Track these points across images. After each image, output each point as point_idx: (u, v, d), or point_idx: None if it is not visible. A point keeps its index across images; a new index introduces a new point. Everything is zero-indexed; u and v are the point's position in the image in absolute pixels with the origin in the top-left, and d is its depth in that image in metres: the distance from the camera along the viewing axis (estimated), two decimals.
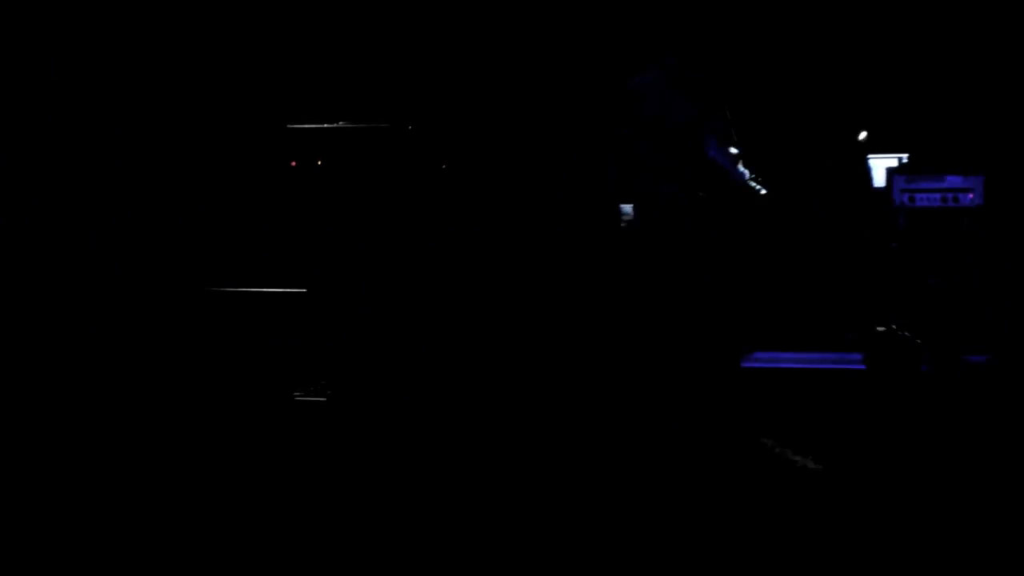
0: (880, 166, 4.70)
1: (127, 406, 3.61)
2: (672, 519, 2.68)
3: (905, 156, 4.69)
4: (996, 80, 4.97)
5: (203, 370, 3.81)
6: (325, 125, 4.52)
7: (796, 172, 5.24)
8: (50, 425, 3.44)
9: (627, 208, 4.93)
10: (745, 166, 4.55)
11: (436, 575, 2.30)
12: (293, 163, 4.51)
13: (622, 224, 4.93)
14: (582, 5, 4.81)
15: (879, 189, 4.71)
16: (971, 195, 4.49)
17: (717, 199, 4.43)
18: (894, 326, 4.33)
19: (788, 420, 3.93)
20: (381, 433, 3.74)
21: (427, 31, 4.65)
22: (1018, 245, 4.51)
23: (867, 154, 4.79)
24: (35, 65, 4.01)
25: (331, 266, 4.39)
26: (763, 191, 4.62)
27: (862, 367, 4.51)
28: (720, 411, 3.97)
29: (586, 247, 4.53)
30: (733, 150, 4.50)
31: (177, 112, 4.15)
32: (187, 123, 4.15)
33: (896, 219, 4.52)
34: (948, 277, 4.43)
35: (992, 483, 2.98)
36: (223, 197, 4.05)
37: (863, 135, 4.87)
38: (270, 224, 4.12)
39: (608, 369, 4.33)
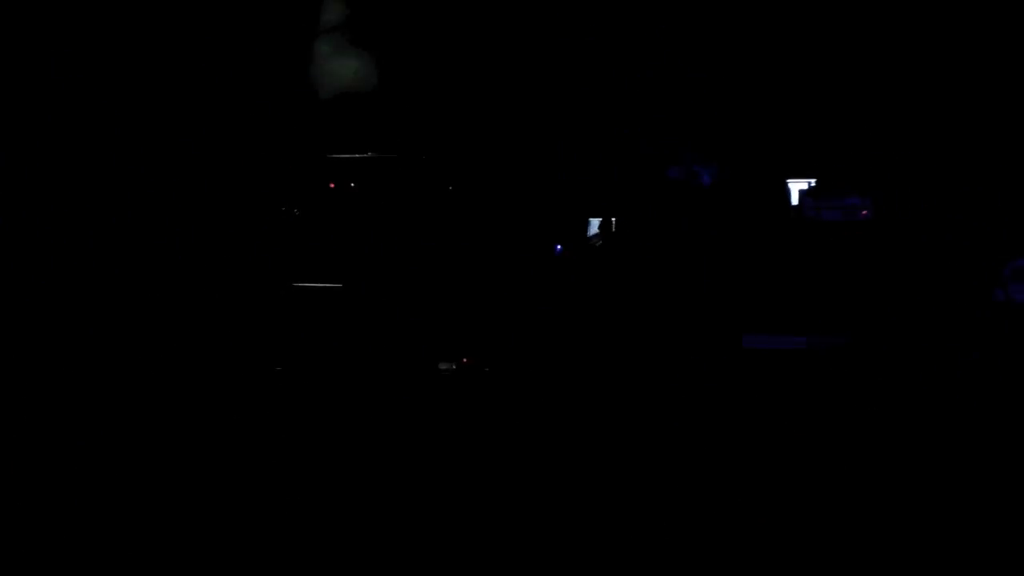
0: (795, 188, 5.98)
1: (241, 373, 4.68)
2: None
3: (814, 180, 5.97)
4: (887, 122, 6.22)
5: (285, 346, 4.94)
6: (357, 155, 5.67)
7: (733, 193, 6.46)
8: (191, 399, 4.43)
9: (594, 223, 6.09)
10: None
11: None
12: (331, 184, 5.66)
13: (590, 238, 6.10)
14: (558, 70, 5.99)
15: (795, 206, 5.98)
16: (864, 211, 5.76)
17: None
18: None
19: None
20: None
21: (437, 86, 5.82)
22: (899, 251, 5.78)
23: (787, 178, 6.05)
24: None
25: (361, 267, 5.51)
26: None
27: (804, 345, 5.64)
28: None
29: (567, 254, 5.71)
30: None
31: (264, 153, 5.30)
32: (267, 160, 5.29)
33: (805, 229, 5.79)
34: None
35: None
36: (290, 213, 5.19)
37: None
38: (317, 234, 5.27)
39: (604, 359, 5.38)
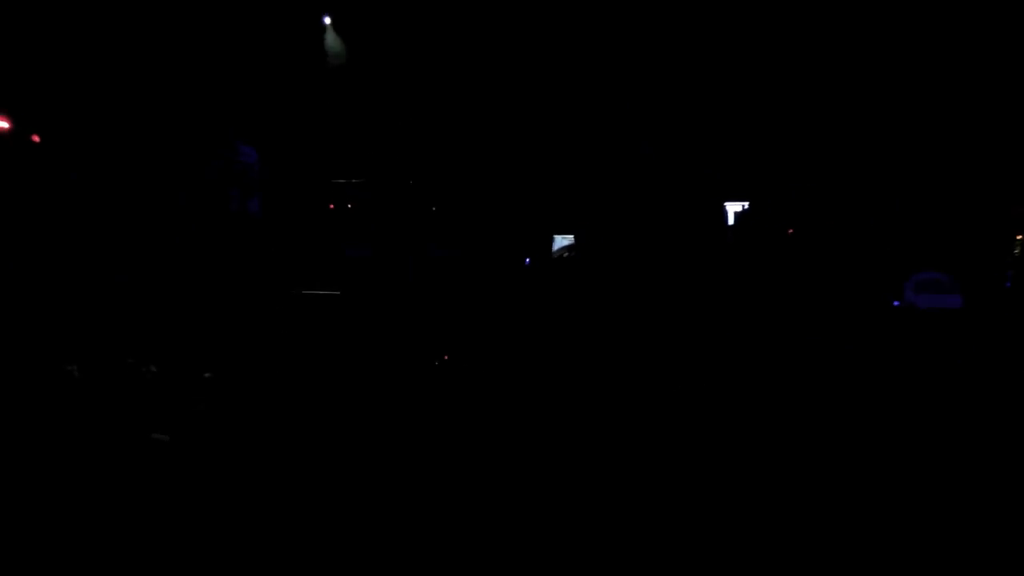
0: (731, 209, 7.00)
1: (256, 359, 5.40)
2: None
3: (747, 203, 6.98)
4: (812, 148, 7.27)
5: (293, 343, 5.73)
6: (354, 180, 6.57)
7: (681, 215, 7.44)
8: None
9: (561, 240, 6.99)
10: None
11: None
12: (331, 206, 6.54)
13: (558, 252, 6.99)
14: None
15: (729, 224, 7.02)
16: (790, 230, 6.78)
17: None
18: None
19: None
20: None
21: (422, 126, 6.75)
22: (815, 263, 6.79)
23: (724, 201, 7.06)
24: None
25: (356, 275, 6.36)
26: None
27: None
28: None
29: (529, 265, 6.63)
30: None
31: (286, 181, 6.15)
32: (285, 186, 6.15)
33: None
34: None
35: None
36: (296, 230, 6.05)
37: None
38: (320, 247, 6.14)
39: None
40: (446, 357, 6.43)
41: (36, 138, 5.62)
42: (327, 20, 6.73)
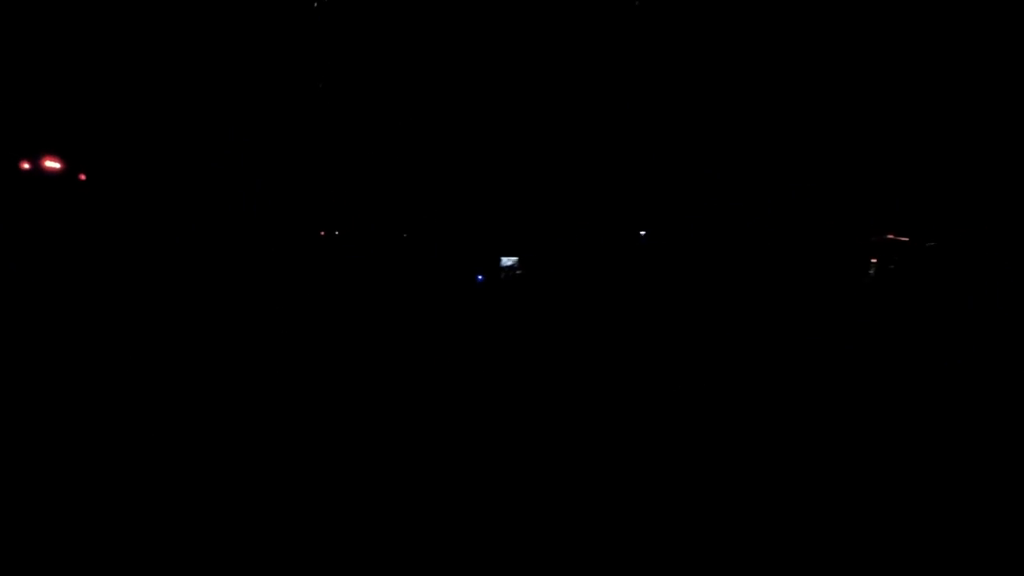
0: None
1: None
2: None
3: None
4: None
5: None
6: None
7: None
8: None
9: (507, 260, 8.41)
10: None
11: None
12: (322, 232, 7.87)
13: (505, 271, 8.40)
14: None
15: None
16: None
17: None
18: None
19: None
20: None
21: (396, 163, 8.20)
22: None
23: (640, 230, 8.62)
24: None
25: (345, 295, 7.64)
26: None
27: None
28: None
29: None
30: None
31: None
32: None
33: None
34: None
35: None
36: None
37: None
38: (307, 280, 7.49)
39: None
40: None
41: (83, 176, 6.89)
42: None
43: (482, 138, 8.33)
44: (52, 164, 6.67)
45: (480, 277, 8.04)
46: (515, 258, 8.17)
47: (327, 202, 7.53)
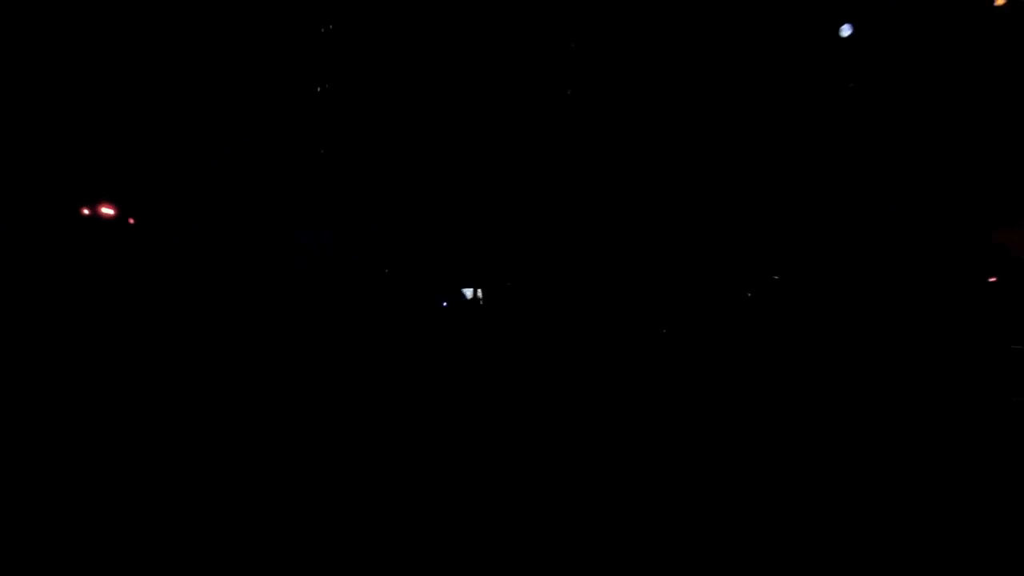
0: None
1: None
2: None
3: None
4: None
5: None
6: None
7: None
8: None
9: (467, 291, 9.06)
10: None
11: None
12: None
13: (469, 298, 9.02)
14: None
15: None
16: None
17: None
18: None
19: None
20: None
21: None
22: None
23: None
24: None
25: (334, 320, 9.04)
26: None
27: None
28: None
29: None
30: None
31: None
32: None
33: None
34: None
35: None
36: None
37: None
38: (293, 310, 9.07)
39: None
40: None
41: (132, 220, 9.54)
42: None
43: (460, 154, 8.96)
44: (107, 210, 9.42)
45: (444, 303, 8.57)
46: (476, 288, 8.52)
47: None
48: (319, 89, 9.15)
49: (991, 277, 9.49)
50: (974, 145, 10.24)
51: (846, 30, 10.03)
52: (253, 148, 9.06)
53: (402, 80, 8.93)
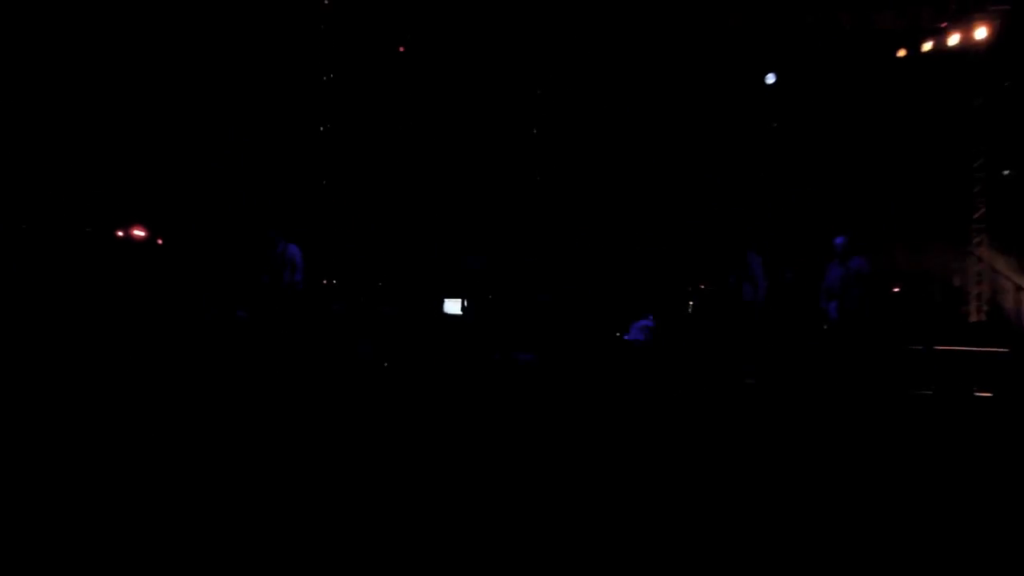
0: None
1: None
2: None
3: None
4: None
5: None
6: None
7: None
8: None
9: (454, 306, 10.70)
10: None
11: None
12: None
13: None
14: None
15: None
16: None
17: None
18: None
19: None
20: None
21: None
22: None
23: None
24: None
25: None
26: None
27: None
28: None
29: None
30: None
31: None
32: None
33: None
34: None
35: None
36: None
37: None
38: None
39: None
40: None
41: (160, 241, 11.01)
42: None
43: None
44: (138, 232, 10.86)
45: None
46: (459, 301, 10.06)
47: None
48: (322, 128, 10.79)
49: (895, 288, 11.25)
50: (880, 172, 12.05)
51: (770, 78, 11.78)
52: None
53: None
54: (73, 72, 9.83)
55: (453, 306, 10.66)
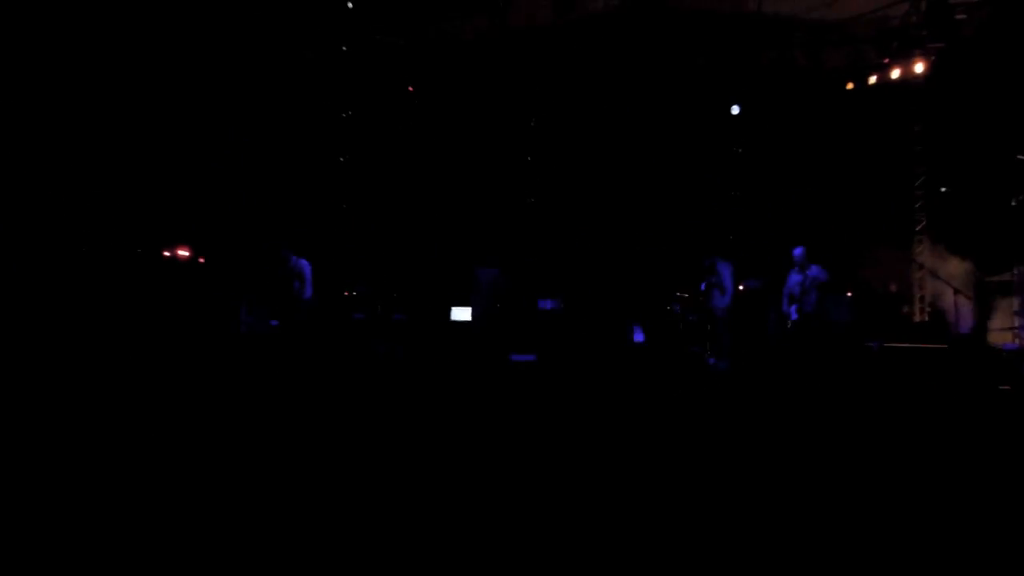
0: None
1: None
2: None
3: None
4: None
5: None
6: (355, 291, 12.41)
7: None
8: None
9: (461, 313, 12.01)
10: None
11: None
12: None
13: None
14: None
15: None
16: None
17: None
18: None
19: None
20: None
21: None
22: None
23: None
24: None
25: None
26: None
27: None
28: None
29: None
30: None
31: None
32: None
33: None
34: None
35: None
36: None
37: None
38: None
39: None
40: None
41: (202, 260, 12.30)
42: None
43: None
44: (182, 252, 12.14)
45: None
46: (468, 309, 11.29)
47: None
48: (341, 159, 12.19)
49: (847, 292, 12.67)
50: (833, 190, 13.57)
51: (735, 109, 13.36)
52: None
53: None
54: (134, 112, 11.12)
55: (461, 313, 11.86)
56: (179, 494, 3.40)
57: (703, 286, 11.05)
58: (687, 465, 4.30)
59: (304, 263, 10.66)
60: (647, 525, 3.04)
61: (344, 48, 11.48)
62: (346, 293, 12.19)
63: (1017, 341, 11.40)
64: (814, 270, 10.74)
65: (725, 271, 10.97)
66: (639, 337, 10.79)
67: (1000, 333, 11.87)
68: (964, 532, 3.18)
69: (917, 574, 2.69)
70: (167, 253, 11.67)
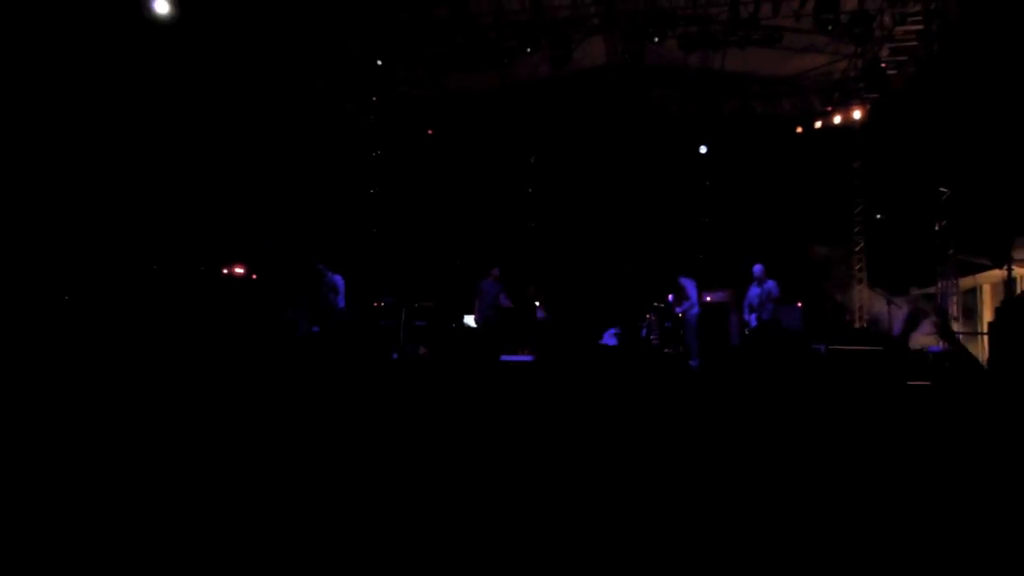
0: None
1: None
2: None
3: None
4: None
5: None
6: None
7: None
8: None
9: (469, 319, 14.27)
10: None
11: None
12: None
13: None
14: None
15: None
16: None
17: None
18: None
19: None
20: None
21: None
22: None
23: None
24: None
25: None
26: None
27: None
28: None
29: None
30: None
31: None
32: None
33: None
34: None
35: None
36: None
37: None
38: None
39: None
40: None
41: (255, 276, 14.30)
42: None
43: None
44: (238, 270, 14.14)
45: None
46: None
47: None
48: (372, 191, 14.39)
49: (798, 303, 14.78)
50: (786, 217, 15.83)
51: (703, 149, 15.81)
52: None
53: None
54: (207, 146, 13.19)
55: (472, 320, 13.91)
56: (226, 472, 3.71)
57: (671, 298, 13.23)
58: (664, 449, 4.54)
59: (338, 278, 12.51)
60: (634, 509, 3.12)
61: (374, 98, 13.66)
62: (375, 304, 14.23)
63: (940, 344, 13.35)
64: (770, 284, 12.26)
65: (689, 285, 12.95)
66: (611, 341, 12.98)
67: (926, 337, 13.69)
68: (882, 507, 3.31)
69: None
70: (225, 271, 13.60)
